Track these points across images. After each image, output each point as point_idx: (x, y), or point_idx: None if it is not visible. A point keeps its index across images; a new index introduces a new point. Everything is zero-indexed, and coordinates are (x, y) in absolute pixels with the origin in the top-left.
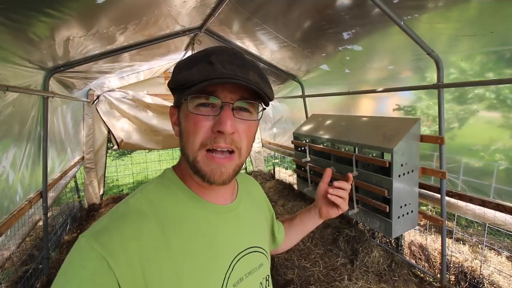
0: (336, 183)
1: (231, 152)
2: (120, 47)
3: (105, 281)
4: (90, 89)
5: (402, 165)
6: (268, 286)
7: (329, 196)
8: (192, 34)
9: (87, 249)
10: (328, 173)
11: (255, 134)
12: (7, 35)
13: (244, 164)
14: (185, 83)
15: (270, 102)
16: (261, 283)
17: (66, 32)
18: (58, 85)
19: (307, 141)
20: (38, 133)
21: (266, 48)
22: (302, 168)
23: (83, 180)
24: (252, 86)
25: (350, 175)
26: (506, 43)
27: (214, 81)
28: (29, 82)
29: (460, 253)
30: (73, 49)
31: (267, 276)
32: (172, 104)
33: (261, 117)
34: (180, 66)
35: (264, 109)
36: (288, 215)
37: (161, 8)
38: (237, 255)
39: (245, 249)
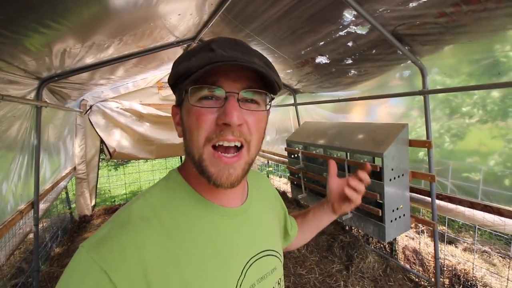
0: (360, 174)
1: (239, 147)
2: (114, 57)
3: None
4: (83, 99)
5: (392, 169)
6: None
7: (346, 190)
8: (185, 45)
9: (87, 261)
10: (333, 165)
11: (265, 128)
12: (5, 46)
13: None
14: (184, 73)
15: (273, 99)
16: (273, 287)
17: (63, 44)
18: (51, 95)
19: (300, 148)
20: (31, 143)
21: None
22: (296, 175)
23: (74, 192)
24: (259, 68)
25: (368, 164)
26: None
27: (215, 65)
28: (23, 92)
29: (453, 256)
30: (67, 60)
31: (279, 280)
32: (166, 115)
33: (270, 108)
34: (179, 59)
35: (272, 98)
36: (300, 211)
37: (156, 21)
38: (249, 260)
39: (258, 253)
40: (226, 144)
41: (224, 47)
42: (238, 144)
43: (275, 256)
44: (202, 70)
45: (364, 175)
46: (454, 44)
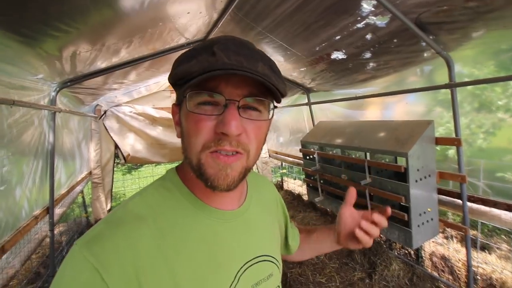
0: (376, 218)
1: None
2: (126, 61)
3: None
4: (98, 104)
5: (418, 169)
6: None
7: (356, 232)
8: None
9: (80, 259)
10: (352, 193)
11: (265, 136)
12: (16, 51)
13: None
14: (183, 77)
15: (276, 108)
16: None
17: (73, 47)
18: (66, 100)
19: (316, 148)
20: (46, 148)
21: (271, 58)
22: (312, 177)
23: (90, 196)
24: (261, 79)
25: (389, 208)
26: None
27: (214, 73)
28: (37, 97)
29: (487, 264)
30: (79, 64)
31: (277, 287)
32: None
33: (273, 116)
34: (179, 59)
35: (275, 107)
36: (306, 226)
37: (165, 21)
38: (244, 264)
39: (253, 258)
40: (223, 153)
41: (228, 50)
42: (235, 153)
43: (272, 262)
44: (200, 78)
45: (380, 219)
46: (484, 31)
